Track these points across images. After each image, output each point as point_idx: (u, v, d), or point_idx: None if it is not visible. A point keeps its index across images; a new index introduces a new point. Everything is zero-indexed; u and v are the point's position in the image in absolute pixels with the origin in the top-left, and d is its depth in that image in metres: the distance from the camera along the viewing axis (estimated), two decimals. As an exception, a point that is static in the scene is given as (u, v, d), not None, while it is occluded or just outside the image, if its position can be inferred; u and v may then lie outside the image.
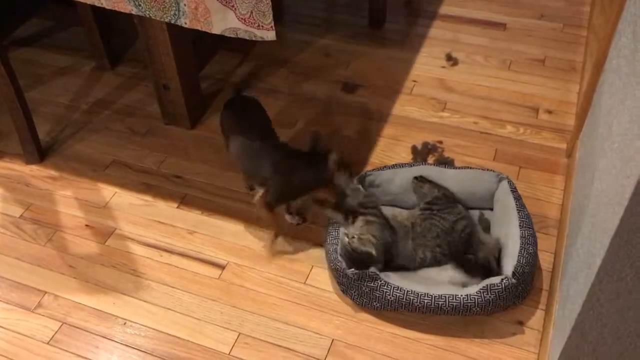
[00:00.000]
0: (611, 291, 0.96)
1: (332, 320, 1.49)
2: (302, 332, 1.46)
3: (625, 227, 0.87)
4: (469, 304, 1.40)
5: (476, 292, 1.40)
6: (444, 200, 1.56)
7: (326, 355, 1.42)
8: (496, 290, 1.40)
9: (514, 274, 1.41)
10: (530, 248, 1.45)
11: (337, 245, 1.52)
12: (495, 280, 1.41)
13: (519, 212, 1.53)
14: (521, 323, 1.46)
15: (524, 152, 1.89)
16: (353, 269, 1.45)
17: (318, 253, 1.63)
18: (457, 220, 1.52)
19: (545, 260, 1.58)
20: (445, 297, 1.40)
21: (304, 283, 1.57)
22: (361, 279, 1.44)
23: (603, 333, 1.03)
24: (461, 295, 1.40)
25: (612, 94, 1.30)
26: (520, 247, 1.45)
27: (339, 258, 1.49)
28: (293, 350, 1.43)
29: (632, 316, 0.97)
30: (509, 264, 1.43)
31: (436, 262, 1.51)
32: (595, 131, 1.43)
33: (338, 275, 1.50)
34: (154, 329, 1.49)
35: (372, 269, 1.44)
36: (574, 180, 1.65)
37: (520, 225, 1.50)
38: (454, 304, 1.40)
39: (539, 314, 1.47)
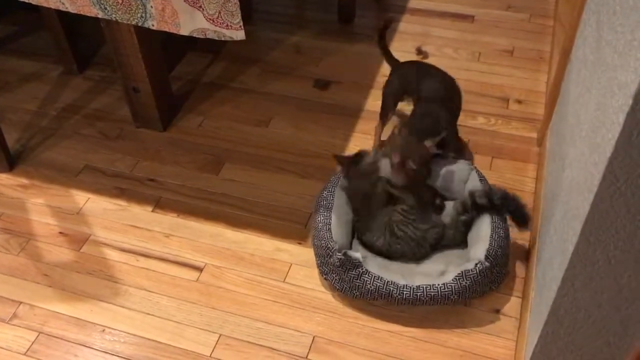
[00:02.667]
0: (584, 276, 0.98)
1: (313, 317, 1.49)
2: (284, 331, 1.47)
3: (595, 213, 0.89)
4: (447, 292, 1.41)
5: (452, 279, 1.42)
6: (418, 212, 1.55)
7: (308, 353, 1.42)
8: (471, 276, 1.41)
9: (486, 257, 1.43)
10: (501, 231, 1.48)
11: (329, 223, 1.51)
12: (469, 265, 1.43)
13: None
14: (499, 311, 1.48)
15: (495, 143, 1.91)
16: (341, 254, 1.44)
17: (297, 250, 1.63)
18: (429, 229, 1.53)
19: (520, 248, 1.60)
20: (423, 287, 1.42)
21: (283, 281, 1.57)
22: (343, 265, 1.44)
23: (578, 318, 1.05)
24: (438, 285, 1.42)
25: (579, 82, 1.32)
26: (492, 231, 1.47)
27: (333, 238, 1.48)
28: (275, 350, 1.43)
29: (606, 299, 0.99)
30: (481, 249, 1.45)
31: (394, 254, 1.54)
32: (564, 120, 1.45)
33: (322, 256, 1.49)
34: (133, 334, 1.47)
35: (357, 256, 1.44)
36: (546, 169, 1.67)
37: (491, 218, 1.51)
38: (432, 293, 1.41)
39: (516, 301, 1.49)
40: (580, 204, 0.98)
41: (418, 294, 1.41)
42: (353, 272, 1.44)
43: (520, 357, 1.33)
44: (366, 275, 1.44)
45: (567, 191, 1.18)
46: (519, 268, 1.56)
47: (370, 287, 1.43)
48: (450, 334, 1.44)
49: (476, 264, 1.42)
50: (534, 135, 1.93)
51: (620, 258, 0.92)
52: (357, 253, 1.46)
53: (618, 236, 0.90)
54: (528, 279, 1.49)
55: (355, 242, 1.59)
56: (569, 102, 1.43)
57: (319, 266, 1.53)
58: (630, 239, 0.89)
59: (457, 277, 1.42)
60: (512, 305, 1.49)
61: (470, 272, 1.42)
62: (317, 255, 1.54)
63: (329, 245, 1.47)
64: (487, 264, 1.42)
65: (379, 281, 1.43)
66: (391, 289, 1.42)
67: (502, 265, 1.48)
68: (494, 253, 1.44)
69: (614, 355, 1.07)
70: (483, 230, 1.49)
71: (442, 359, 1.40)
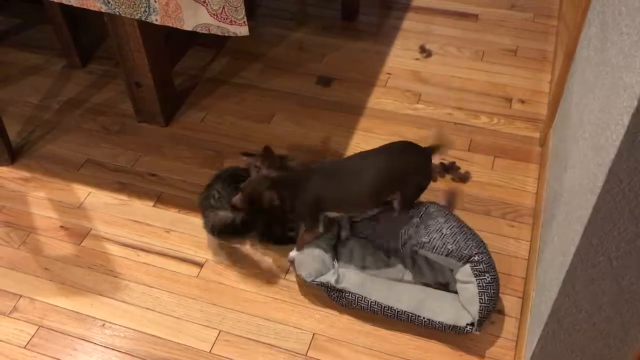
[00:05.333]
0: (586, 278, 0.98)
1: (313, 314, 1.49)
2: (283, 328, 1.47)
3: (598, 215, 0.89)
4: (430, 327, 1.41)
5: (439, 322, 1.40)
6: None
7: (307, 350, 1.42)
8: (458, 331, 1.40)
9: (479, 321, 1.38)
10: (492, 289, 1.40)
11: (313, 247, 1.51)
12: (461, 323, 1.39)
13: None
14: (500, 311, 1.48)
15: (498, 142, 1.91)
16: (312, 278, 1.46)
17: (297, 248, 1.63)
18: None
19: (521, 248, 1.60)
20: (409, 315, 1.42)
21: (284, 278, 1.57)
22: (324, 287, 1.46)
23: (578, 319, 1.04)
24: (423, 318, 1.41)
25: (582, 83, 1.32)
26: (480, 291, 1.39)
27: (300, 262, 1.48)
28: (274, 346, 1.43)
29: (606, 302, 0.99)
30: (474, 309, 1.39)
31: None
32: (567, 120, 1.45)
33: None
34: (133, 329, 1.47)
35: (327, 281, 1.45)
36: (548, 169, 1.67)
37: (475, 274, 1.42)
38: (415, 323, 1.42)
39: (517, 301, 1.49)
40: (582, 205, 0.98)
41: (402, 318, 1.42)
42: (334, 294, 1.46)
43: (520, 357, 1.33)
44: (349, 296, 1.45)
45: (569, 192, 1.17)
46: (520, 268, 1.56)
47: (355, 305, 1.45)
48: (450, 333, 1.43)
49: (467, 325, 1.38)
50: (537, 135, 1.92)
51: (621, 260, 0.92)
52: (329, 276, 1.45)
53: (620, 238, 0.90)
54: (529, 279, 1.49)
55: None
56: (572, 102, 1.43)
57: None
58: (632, 241, 0.89)
59: (443, 325, 1.39)
60: (512, 305, 1.49)
61: (459, 329, 1.40)
62: None
63: (299, 274, 1.49)
64: (477, 330, 1.39)
65: (362, 302, 1.44)
66: (375, 309, 1.43)
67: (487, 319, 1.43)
68: (486, 315, 1.39)
69: (614, 357, 1.07)
70: (471, 289, 1.41)
71: (441, 358, 1.40)
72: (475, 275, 1.39)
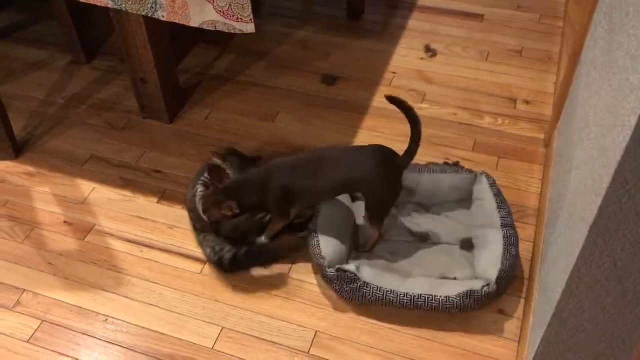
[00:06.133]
0: (590, 279, 0.98)
1: (315, 312, 1.49)
2: (286, 325, 1.47)
3: (603, 216, 0.89)
4: (448, 306, 1.41)
5: (456, 296, 1.40)
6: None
7: (310, 348, 1.42)
8: (476, 297, 1.40)
9: (498, 279, 1.41)
10: (513, 250, 1.45)
11: (317, 238, 1.52)
12: (476, 286, 1.41)
13: (500, 211, 1.53)
14: (503, 312, 1.48)
15: (502, 143, 1.90)
16: (332, 269, 1.45)
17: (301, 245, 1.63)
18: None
19: (525, 249, 1.59)
20: (425, 297, 1.41)
21: (287, 276, 1.57)
22: (340, 280, 1.45)
23: (582, 320, 1.04)
24: (440, 297, 1.41)
25: (588, 84, 1.31)
26: (504, 249, 1.44)
27: (321, 254, 1.48)
28: (277, 344, 1.43)
29: (610, 302, 0.98)
30: (492, 268, 1.43)
31: None
32: (573, 121, 1.45)
33: (321, 271, 1.50)
34: (135, 325, 1.48)
35: (350, 269, 1.44)
36: (552, 170, 1.67)
37: (502, 225, 1.50)
38: (433, 304, 1.41)
39: (520, 302, 1.49)
40: (587, 206, 0.98)
41: (419, 302, 1.41)
42: (351, 286, 1.45)
43: (522, 357, 1.33)
44: (365, 288, 1.43)
45: (574, 193, 1.17)
46: (523, 269, 1.56)
47: (371, 297, 1.44)
48: (452, 333, 1.43)
49: (484, 286, 1.41)
50: (541, 136, 1.92)
51: (626, 261, 0.92)
52: (351, 265, 1.45)
53: (625, 239, 0.89)
54: (532, 280, 1.49)
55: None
56: (577, 104, 1.43)
57: (321, 276, 1.53)
58: (637, 242, 0.89)
59: (461, 295, 1.40)
60: (515, 306, 1.48)
61: (476, 294, 1.40)
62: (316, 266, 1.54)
63: (319, 263, 1.48)
64: (495, 287, 1.41)
65: (378, 292, 1.43)
66: (391, 298, 1.42)
67: (509, 283, 1.47)
68: (505, 275, 1.42)
69: (617, 358, 1.07)
70: (494, 244, 1.46)
71: (443, 357, 1.40)
72: (503, 226, 1.48)
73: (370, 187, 1.47)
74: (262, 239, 1.57)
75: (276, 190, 1.46)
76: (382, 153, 1.46)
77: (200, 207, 1.55)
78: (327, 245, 1.49)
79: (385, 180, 1.46)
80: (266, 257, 1.58)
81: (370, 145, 1.52)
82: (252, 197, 1.47)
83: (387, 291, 1.42)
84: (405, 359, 1.40)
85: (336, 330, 1.45)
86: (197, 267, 1.59)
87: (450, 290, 1.42)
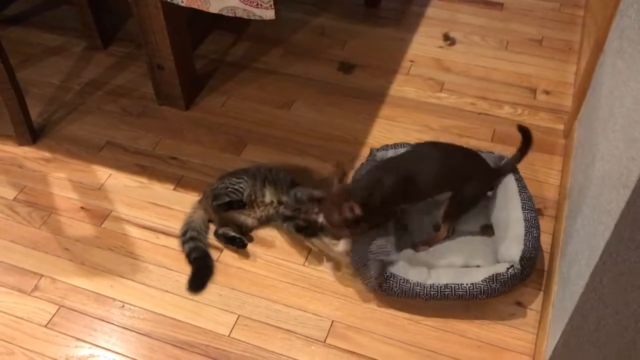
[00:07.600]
0: (614, 272, 0.96)
1: (332, 302, 1.49)
2: (302, 314, 1.46)
3: (631, 209, 0.87)
4: (475, 292, 1.40)
5: (482, 281, 1.40)
6: None
7: (326, 337, 1.42)
8: (502, 280, 1.40)
9: (521, 259, 1.40)
10: (535, 231, 1.45)
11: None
12: (501, 269, 1.40)
13: (520, 195, 1.52)
14: (520, 304, 1.46)
15: (521, 133, 1.88)
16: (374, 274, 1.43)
17: (316, 235, 1.62)
18: None
19: (544, 241, 1.58)
20: (452, 287, 1.40)
21: (303, 265, 1.56)
22: (377, 270, 1.43)
23: (605, 314, 1.03)
24: (467, 285, 1.40)
25: (613, 75, 1.29)
26: (526, 230, 1.44)
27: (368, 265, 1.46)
28: (293, 332, 1.43)
29: (635, 297, 0.97)
30: (515, 249, 1.43)
31: None
32: (595, 112, 1.42)
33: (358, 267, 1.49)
34: (152, 311, 1.48)
35: (392, 260, 1.43)
36: (572, 162, 1.65)
37: (523, 208, 1.49)
38: (460, 293, 1.40)
39: (538, 295, 1.48)
40: (613, 198, 0.96)
41: (446, 292, 1.40)
42: (377, 280, 1.43)
43: (540, 350, 1.32)
44: (392, 280, 1.42)
45: (597, 185, 1.15)
46: (542, 261, 1.54)
47: (397, 290, 1.42)
48: (470, 325, 1.43)
49: (508, 268, 1.40)
50: (561, 127, 1.89)
51: (653, 255, 0.91)
52: (391, 257, 1.44)
53: (653, 233, 0.88)
54: (551, 272, 1.47)
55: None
56: (600, 94, 1.40)
57: (353, 265, 1.51)
58: (665, 237, 0.87)
59: (487, 280, 1.40)
60: (534, 298, 1.47)
61: (502, 276, 1.40)
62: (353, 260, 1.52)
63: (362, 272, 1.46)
64: (519, 267, 1.40)
65: (405, 284, 1.42)
66: (417, 290, 1.41)
67: (533, 266, 1.46)
68: (528, 255, 1.41)
69: (640, 353, 1.05)
70: (516, 226, 1.46)
71: (460, 349, 1.39)
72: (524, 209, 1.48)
73: (470, 185, 1.50)
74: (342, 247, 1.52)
75: (392, 186, 1.44)
76: (482, 157, 1.57)
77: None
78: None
79: (485, 184, 1.56)
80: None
81: (469, 149, 1.58)
82: (376, 197, 1.41)
83: (413, 284, 1.41)
84: (421, 349, 1.40)
85: (352, 320, 1.45)
86: (214, 254, 1.59)
87: (475, 277, 1.41)
